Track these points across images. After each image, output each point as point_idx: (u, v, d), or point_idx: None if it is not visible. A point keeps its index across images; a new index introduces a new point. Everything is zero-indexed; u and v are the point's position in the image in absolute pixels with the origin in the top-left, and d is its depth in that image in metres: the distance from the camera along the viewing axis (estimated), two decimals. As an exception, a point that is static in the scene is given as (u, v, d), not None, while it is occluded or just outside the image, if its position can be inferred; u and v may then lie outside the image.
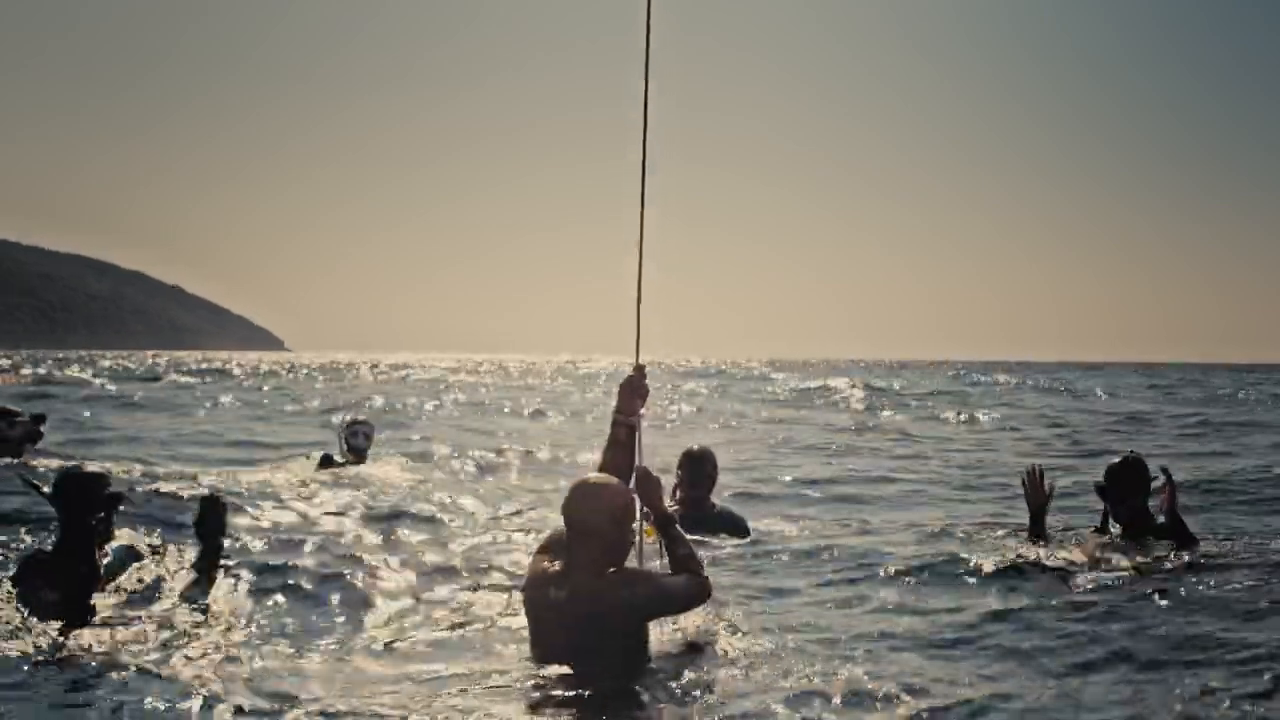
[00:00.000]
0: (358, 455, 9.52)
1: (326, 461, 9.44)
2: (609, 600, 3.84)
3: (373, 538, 6.45)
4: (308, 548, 5.99)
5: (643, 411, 4.30)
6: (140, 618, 4.38)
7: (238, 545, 5.78)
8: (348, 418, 10.21)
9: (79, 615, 4.33)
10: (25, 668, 3.76)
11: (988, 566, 5.50)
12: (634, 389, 4.27)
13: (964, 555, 5.86)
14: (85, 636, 4.11)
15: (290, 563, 5.53)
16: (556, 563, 3.95)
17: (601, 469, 4.22)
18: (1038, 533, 5.75)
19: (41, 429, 9.94)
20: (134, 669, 3.75)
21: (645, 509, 4.13)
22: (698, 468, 6.49)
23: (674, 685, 3.74)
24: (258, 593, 4.98)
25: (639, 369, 4.29)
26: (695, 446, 6.70)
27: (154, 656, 3.91)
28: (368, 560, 5.73)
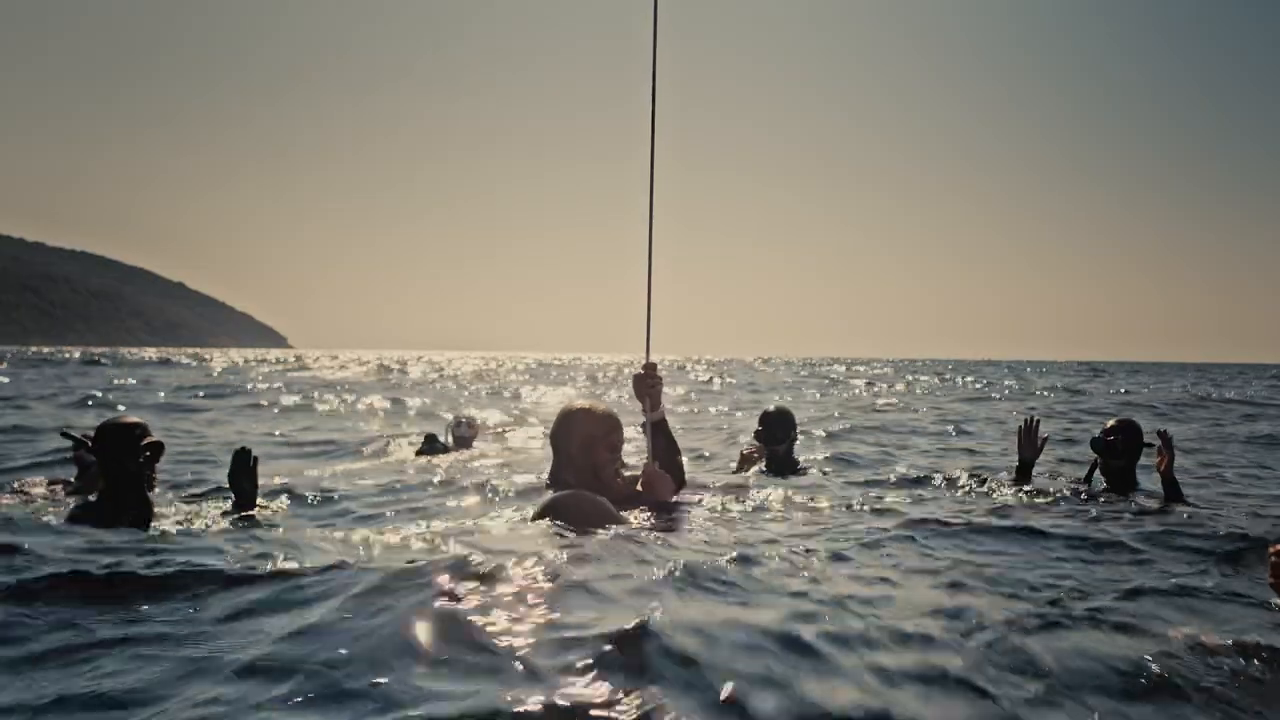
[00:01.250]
0: (462, 445, 10.05)
1: (430, 441, 9.89)
2: (557, 504, 3.93)
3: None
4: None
5: (667, 406, 4.32)
6: (178, 559, 4.46)
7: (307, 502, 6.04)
8: (456, 414, 10.96)
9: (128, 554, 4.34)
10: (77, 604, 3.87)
11: (961, 501, 5.86)
12: (639, 388, 4.31)
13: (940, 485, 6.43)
14: (132, 577, 4.19)
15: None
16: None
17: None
18: (1023, 481, 5.99)
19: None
20: (171, 603, 3.87)
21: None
22: (775, 426, 6.82)
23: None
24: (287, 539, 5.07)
25: (647, 368, 4.29)
26: (772, 406, 7.04)
27: (188, 593, 4.04)
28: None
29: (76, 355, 61.03)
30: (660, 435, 4.34)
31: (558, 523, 3.79)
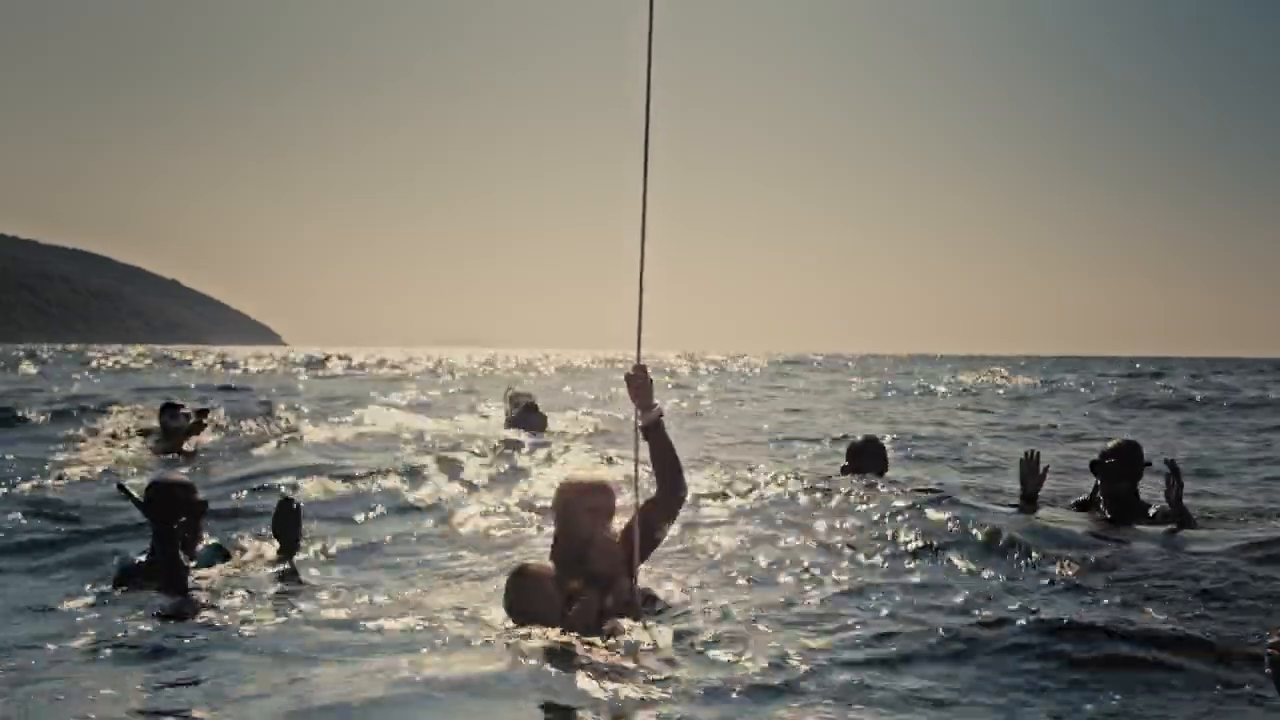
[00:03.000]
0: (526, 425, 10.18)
1: (529, 411, 9.97)
2: (509, 580, 4.20)
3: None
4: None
5: (663, 410, 4.24)
6: (221, 607, 4.52)
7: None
8: (511, 390, 11.02)
9: (169, 614, 4.42)
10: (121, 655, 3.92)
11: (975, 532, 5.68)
12: (630, 388, 4.21)
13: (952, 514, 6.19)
14: (174, 627, 4.24)
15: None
16: None
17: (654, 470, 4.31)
18: (1028, 512, 5.91)
19: (205, 421, 9.75)
20: (218, 649, 3.96)
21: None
22: (864, 457, 6.55)
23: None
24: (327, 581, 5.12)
25: (638, 368, 4.18)
26: (859, 437, 6.79)
27: (235, 638, 4.11)
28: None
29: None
30: (655, 439, 4.25)
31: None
